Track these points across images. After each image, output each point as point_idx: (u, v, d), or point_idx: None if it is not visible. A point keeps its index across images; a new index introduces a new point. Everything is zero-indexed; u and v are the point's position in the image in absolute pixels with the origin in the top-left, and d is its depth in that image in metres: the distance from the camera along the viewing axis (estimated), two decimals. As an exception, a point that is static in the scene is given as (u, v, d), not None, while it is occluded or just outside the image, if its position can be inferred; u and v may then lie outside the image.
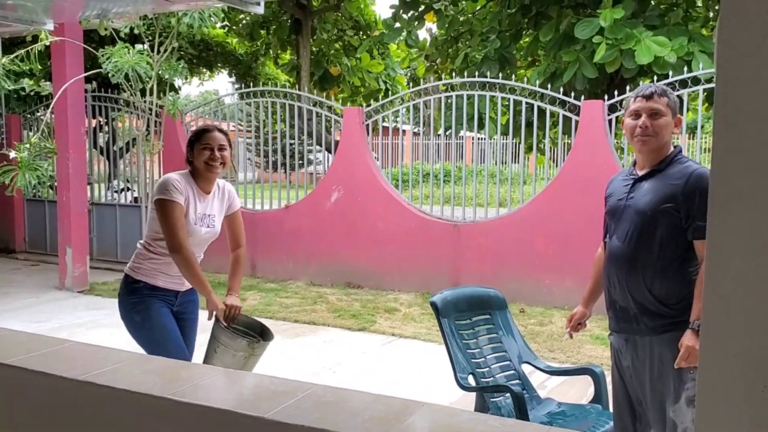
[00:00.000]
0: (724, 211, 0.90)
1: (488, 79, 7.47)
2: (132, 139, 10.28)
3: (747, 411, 0.90)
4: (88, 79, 8.43)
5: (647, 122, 2.46)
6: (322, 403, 1.70)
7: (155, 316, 3.07)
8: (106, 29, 6.89)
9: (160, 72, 7.69)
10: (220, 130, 3.15)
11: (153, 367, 2.05)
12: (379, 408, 1.67)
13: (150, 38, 7.65)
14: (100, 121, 10.69)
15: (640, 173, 2.55)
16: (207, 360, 3.04)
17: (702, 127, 6.93)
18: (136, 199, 9.87)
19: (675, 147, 2.56)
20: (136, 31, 7.56)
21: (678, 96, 6.65)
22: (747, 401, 0.90)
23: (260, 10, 3.17)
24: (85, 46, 7.75)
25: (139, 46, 7.60)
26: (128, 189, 10.49)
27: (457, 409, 1.73)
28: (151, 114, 7.90)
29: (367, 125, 8.07)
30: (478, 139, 8.02)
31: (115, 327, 6.27)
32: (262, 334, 3.19)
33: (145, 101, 7.82)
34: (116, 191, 10.31)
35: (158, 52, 7.55)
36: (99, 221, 9.79)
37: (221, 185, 3.28)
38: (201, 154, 3.07)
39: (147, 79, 7.54)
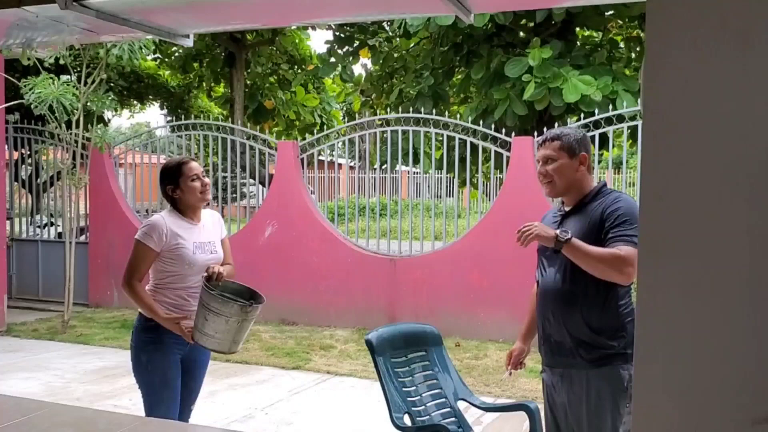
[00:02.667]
0: (654, 255, 0.90)
1: (422, 115, 7.57)
2: (57, 173, 9.90)
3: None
4: (9, 110, 8.10)
5: (543, 169, 2.57)
6: (250, 453, 1.62)
7: (161, 363, 3.03)
8: (29, 59, 6.63)
9: (87, 104, 7.45)
10: (194, 159, 3.23)
11: (67, 419, 1.92)
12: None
13: (77, 69, 7.42)
14: (22, 154, 10.25)
15: (567, 209, 2.62)
16: (199, 329, 2.92)
17: (627, 162, 7.19)
18: (60, 235, 9.46)
19: (600, 182, 2.62)
20: (62, 62, 7.32)
21: (603, 133, 6.93)
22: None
23: (189, 43, 3.10)
24: (7, 76, 7.46)
25: (65, 77, 7.35)
26: (52, 224, 10.06)
27: (390, 455, 1.68)
28: (77, 147, 7.63)
29: (302, 159, 8.02)
30: (414, 173, 8.09)
31: (33, 371, 5.94)
32: (253, 298, 3.14)
33: (71, 133, 7.55)
34: (39, 226, 9.88)
35: (85, 83, 7.33)
36: (19, 258, 9.34)
37: (209, 213, 3.31)
38: (193, 188, 3.08)
39: (73, 111, 7.30)
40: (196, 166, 3.12)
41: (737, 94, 0.85)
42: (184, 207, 3.14)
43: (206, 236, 3.18)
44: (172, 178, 3.10)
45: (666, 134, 0.88)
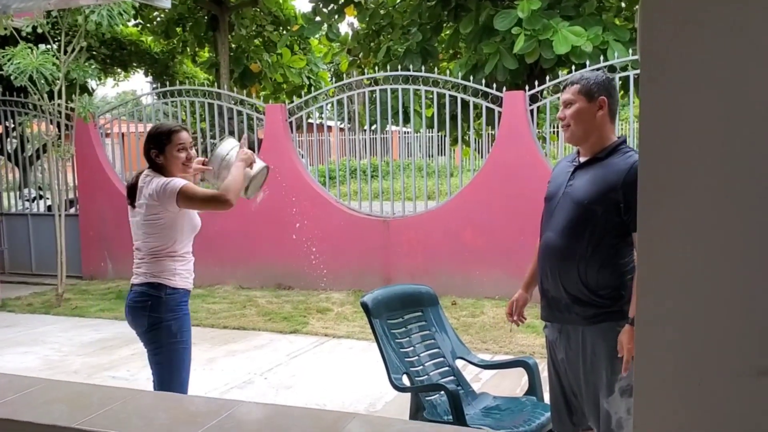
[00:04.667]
0: (652, 206, 0.87)
1: (411, 73, 7.45)
2: (43, 145, 9.76)
3: (684, 405, 0.88)
4: (-8, 83, 7.93)
5: (561, 114, 2.49)
6: (248, 423, 1.59)
7: (188, 331, 2.94)
8: (5, 28, 6.47)
9: (69, 73, 7.29)
10: (185, 129, 3.08)
11: (61, 394, 1.89)
12: (308, 423, 1.58)
13: (57, 38, 7.24)
14: (7, 127, 10.09)
15: (582, 160, 2.51)
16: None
17: (618, 114, 7.11)
18: (49, 208, 9.37)
19: (619, 137, 2.51)
20: (40, 30, 7.14)
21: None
22: (684, 395, 0.88)
23: (168, 4, 3.00)
24: (-16, 47, 7.29)
25: (44, 46, 7.17)
26: (41, 197, 9.96)
27: (390, 419, 1.66)
28: (61, 117, 7.49)
29: (291, 122, 7.91)
30: (404, 132, 8.00)
31: (30, 345, 5.93)
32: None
33: (54, 104, 7.41)
34: (28, 200, 9.78)
35: (65, 52, 7.16)
36: (10, 232, 9.27)
37: None
38: (177, 157, 2.98)
39: (54, 81, 7.14)
40: (185, 136, 3.01)
41: (738, 37, 0.80)
42: (166, 174, 3.02)
43: None
44: (159, 143, 2.97)
45: (664, 80, 0.84)
